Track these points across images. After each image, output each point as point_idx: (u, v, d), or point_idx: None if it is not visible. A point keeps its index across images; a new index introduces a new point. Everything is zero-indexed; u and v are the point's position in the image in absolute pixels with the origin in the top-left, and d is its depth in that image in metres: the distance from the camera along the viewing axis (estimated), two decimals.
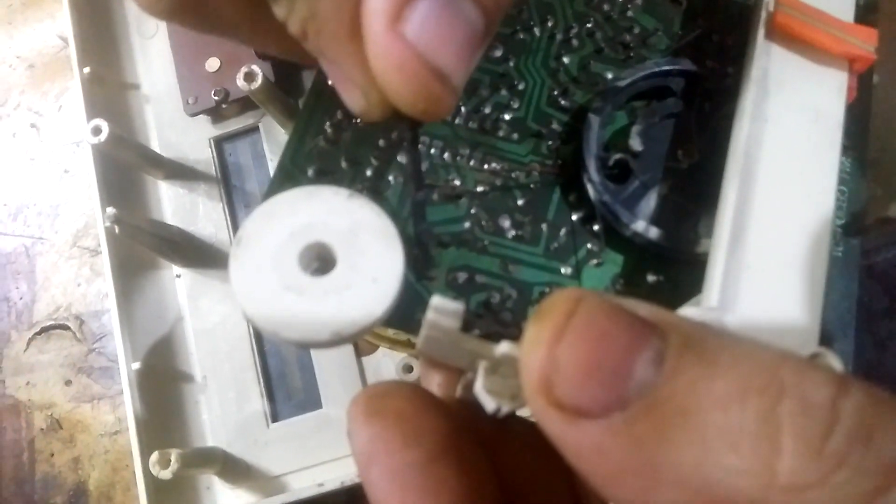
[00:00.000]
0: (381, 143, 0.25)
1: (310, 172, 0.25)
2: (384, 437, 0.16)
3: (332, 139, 0.25)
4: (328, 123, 0.26)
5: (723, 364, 0.13)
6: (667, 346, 0.13)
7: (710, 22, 0.27)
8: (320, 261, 0.19)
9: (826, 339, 0.22)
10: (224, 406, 0.38)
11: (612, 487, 0.13)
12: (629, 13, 0.27)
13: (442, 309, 0.18)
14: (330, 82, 0.25)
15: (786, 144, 0.22)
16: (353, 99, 0.19)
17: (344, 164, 0.25)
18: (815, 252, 0.21)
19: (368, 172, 0.25)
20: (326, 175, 0.25)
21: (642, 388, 0.13)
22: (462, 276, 0.23)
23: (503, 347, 0.17)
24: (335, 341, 0.18)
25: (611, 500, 0.13)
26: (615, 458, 0.13)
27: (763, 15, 0.23)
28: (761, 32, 0.23)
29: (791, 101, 0.22)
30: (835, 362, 0.17)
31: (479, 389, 0.17)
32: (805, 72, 0.23)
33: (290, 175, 0.25)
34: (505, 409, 0.17)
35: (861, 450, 0.11)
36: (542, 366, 0.14)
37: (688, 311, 0.20)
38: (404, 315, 0.22)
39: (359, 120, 0.25)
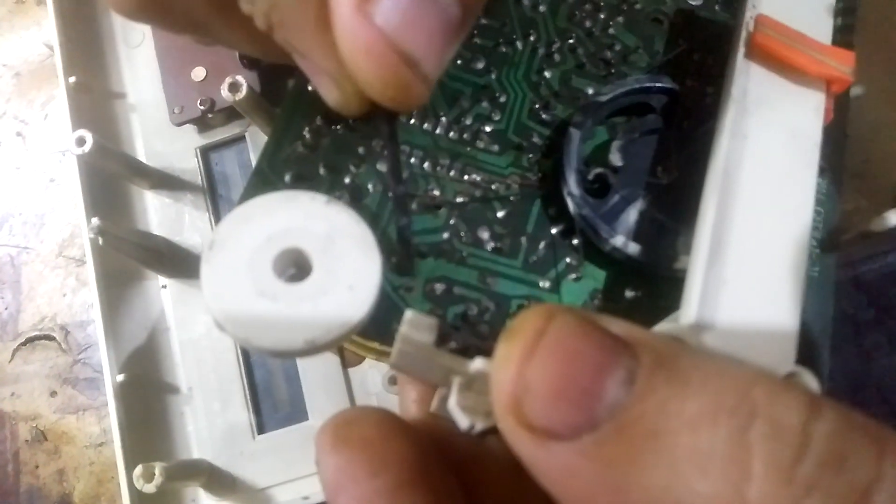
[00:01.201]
0: (361, 150, 0.25)
1: (287, 178, 0.25)
2: (351, 465, 0.16)
3: (311, 145, 0.25)
4: (307, 129, 0.25)
5: (694, 383, 0.13)
6: (638, 365, 0.13)
7: (691, 41, 0.27)
8: (296, 267, 0.19)
9: (806, 355, 0.22)
10: (210, 418, 0.38)
11: None
12: (611, 30, 0.27)
13: (416, 323, 0.18)
14: (309, 87, 0.25)
15: (765, 162, 0.22)
16: (329, 91, 0.18)
17: (322, 171, 0.25)
18: (794, 268, 0.21)
19: (347, 180, 0.25)
20: (304, 181, 0.24)
21: (613, 408, 0.13)
22: (440, 288, 0.23)
23: (477, 364, 0.17)
24: (309, 350, 0.17)
25: None
26: (585, 481, 0.13)
27: (743, 35, 0.23)
28: (741, 52, 0.23)
29: (770, 119, 0.22)
30: (811, 382, 0.17)
31: (453, 406, 0.17)
32: (784, 91, 0.23)
33: (266, 179, 0.25)
34: (479, 426, 0.17)
35: (831, 476, 0.11)
36: (512, 386, 0.13)
37: (665, 327, 0.20)
38: (381, 325, 0.21)
39: (338, 127, 0.25)
